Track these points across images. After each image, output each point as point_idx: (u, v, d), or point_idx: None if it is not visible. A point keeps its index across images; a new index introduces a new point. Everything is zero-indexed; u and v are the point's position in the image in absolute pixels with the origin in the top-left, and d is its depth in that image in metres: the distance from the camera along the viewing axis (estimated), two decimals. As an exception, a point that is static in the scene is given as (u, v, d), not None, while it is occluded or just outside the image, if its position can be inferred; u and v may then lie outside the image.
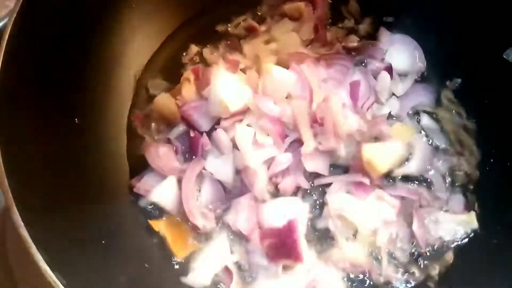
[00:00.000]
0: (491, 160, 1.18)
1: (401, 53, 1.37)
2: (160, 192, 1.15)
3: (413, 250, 1.13)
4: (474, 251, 1.10)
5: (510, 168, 1.14)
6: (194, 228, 1.15)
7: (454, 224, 1.15)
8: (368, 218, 1.11)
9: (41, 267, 0.80)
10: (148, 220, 1.15)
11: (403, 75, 1.34)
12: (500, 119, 1.19)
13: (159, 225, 1.17)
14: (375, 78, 1.29)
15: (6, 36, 0.92)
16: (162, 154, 1.17)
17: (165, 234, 1.15)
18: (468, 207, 1.18)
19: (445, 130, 1.28)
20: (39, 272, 0.81)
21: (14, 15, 0.95)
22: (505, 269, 1.00)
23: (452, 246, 1.14)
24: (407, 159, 1.22)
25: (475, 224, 1.14)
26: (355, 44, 1.37)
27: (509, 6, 1.12)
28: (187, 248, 1.15)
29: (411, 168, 1.22)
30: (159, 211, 1.19)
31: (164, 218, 1.18)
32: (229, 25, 1.42)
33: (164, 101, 1.26)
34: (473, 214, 1.15)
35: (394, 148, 1.19)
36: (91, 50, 1.20)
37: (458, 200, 1.20)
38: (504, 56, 1.15)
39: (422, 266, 1.13)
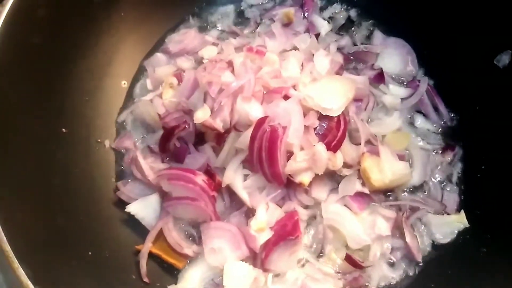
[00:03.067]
0: (482, 167, 1.17)
1: (393, 56, 1.35)
2: (140, 206, 1.13)
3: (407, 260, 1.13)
4: (463, 259, 1.09)
5: (500, 177, 1.12)
6: (185, 256, 1.12)
7: (446, 225, 1.14)
8: (360, 235, 1.09)
9: (23, 282, 0.80)
10: (136, 247, 1.12)
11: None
12: (490, 125, 1.18)
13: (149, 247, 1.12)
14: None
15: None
16: (147, 165, 1.15)
17: (157, 252, 1.12)
18: (459, 207, 1.17)
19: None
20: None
21: (-1, 26, 0.96)
22: (492, 277, 1.00)
23: (443, 250, 1.13)
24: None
25: (466, 223, 1.13)
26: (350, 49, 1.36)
27: (497, 12, 1.12)
28: (184, 256, 1.12)
29: (414, 179, 1.19)
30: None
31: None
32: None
33: (144, 107, 1.24)
34: (463, 213, 1.14)
35: (397, 167, 1.13)
36: (79, 59, 1.20)
37: (452, 200, 1.19)
38: (494, 62, 1.14)
39: (411, 274, 1.12)
